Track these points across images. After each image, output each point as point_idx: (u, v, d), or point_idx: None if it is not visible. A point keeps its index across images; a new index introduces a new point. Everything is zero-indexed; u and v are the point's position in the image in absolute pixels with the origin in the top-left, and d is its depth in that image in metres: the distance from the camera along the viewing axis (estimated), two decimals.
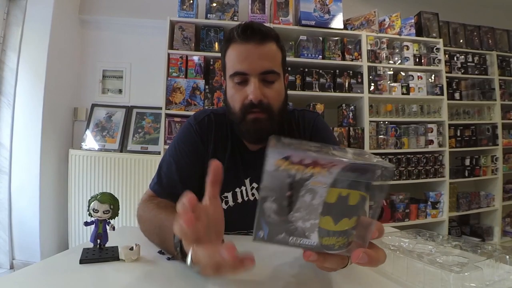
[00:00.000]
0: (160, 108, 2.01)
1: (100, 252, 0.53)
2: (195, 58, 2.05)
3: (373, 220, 0.34)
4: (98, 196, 0.53)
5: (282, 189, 0.31)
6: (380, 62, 2.27)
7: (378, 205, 0.33)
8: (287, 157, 0.29)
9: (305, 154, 0.29)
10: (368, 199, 0.32)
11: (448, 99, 2.36)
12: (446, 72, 2.39)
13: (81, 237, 2.07)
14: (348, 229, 0.33)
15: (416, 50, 2.33)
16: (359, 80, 2.20)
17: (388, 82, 2.27)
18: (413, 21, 2.38)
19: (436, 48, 2.36)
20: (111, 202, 0.54)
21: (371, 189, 0.31)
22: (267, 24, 2.09)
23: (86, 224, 0.56)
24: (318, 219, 0.32)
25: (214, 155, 0.77)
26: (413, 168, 2.26)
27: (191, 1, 2.09)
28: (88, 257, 0.51)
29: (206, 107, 2.02)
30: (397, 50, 2.32)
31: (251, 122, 0.69)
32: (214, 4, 2.12)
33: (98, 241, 0.54)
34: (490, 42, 2.64)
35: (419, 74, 2.33)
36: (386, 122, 2.26)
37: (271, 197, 0.31)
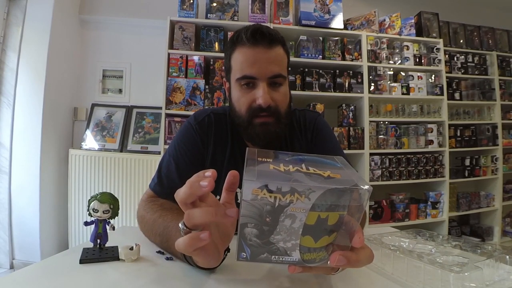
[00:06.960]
0: (160, 108, 2.01)
1: (100, 252, 0.53)
2: (195, 58, 2.05)
3: (355, 232, 0.34)
4: (98, 196, 0.53)
5: (261, 216, 0.32)
6: (380, 62, 2.27)
7: (357, 221, 0.33)
8: (264, 186, 0.30)
9: (282, 182, 0.30)
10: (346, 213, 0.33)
11: (448, 99, 2.36)
12: (446, 72, 2.38)
13: (81, 237, 2.07)
14: (328, 244, 0.34)
15: (416, 50, 2.33)
16: (359, 80, 2.20)
17: (388, 82, 2.27)
18: (413, 21, 2.38)
19: (436, 48, 2.35)
20: (111, 202, 0.54)
21: (349, 207, 0.32)
22: (267, 24, 2.09)
23: (86, 224, 0.56)
24: (299, 239, 0.33)
25: (214, 155, 0.77)
26: (413, 168, 2.26)
27: (191, 1, 2.08)
28: (88, 257, 0.51)
29: (206, 107, 2.01)
30: (397, 50, 2.32)
31: (259, 126, 0.70)
32: (214, 4, 2.11)
33: (98, 241, 0.54)
34: (490, 42, 2.64)
35: (419, 74, 2.33)
36: (386, 122, 2.26)
37: (251, 223, 0.32)
